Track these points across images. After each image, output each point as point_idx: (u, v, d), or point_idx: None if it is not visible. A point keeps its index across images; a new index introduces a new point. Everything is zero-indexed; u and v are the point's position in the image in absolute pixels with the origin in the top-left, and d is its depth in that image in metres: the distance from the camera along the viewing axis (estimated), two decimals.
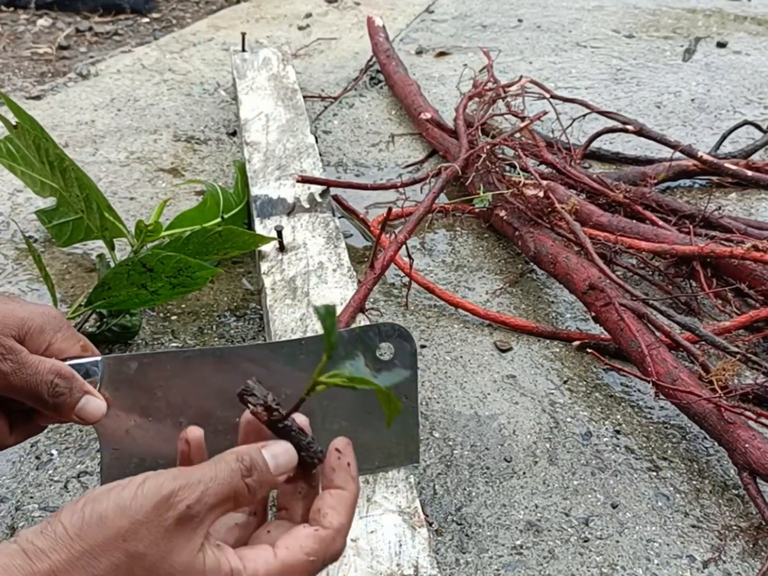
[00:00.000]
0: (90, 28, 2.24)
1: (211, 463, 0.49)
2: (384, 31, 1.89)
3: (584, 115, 1.49)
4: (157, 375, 0.64)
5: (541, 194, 1.15)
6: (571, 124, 1.45)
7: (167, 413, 0.64)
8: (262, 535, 0.52)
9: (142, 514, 0.44)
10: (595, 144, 1.51)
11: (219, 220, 1.14)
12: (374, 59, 1.86)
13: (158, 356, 0.65)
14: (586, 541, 0.80)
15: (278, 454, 0.51)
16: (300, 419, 0.52)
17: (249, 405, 0.50)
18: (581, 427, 0.94)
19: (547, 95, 1.48)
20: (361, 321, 0.94)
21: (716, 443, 0.88)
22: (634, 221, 1.19)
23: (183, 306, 1.12)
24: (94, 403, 0.62)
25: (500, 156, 1.29)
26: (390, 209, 1.01)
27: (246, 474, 0.49)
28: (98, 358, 0.63)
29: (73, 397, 0.61)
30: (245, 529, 0.52)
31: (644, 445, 0.92)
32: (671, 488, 0.86)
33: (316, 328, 0.92)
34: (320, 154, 1.35)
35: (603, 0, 2.45)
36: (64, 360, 0.63)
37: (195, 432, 0.53)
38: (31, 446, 0.89)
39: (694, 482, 0.87)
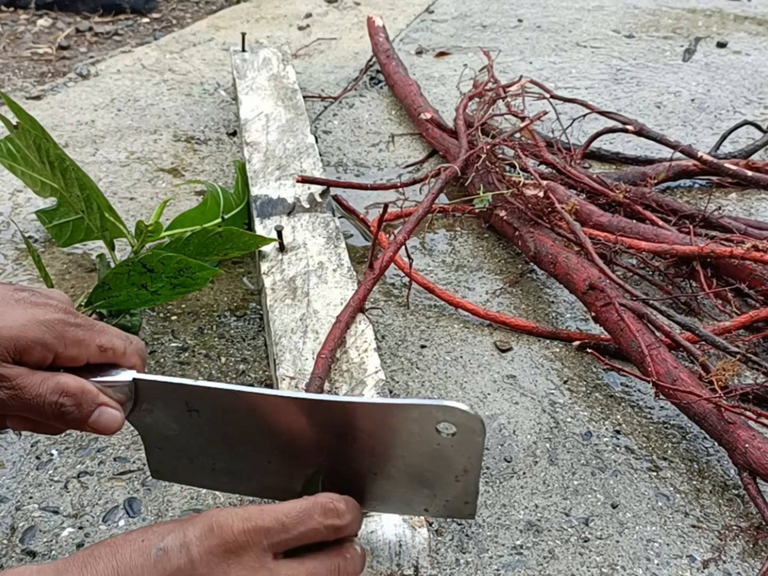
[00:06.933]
0: (90, 28, 2.24)
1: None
2: (384, 31, 1.89)
3: (584, 115, 1.49)
4: (190, 399, 0.60)
5: (541, 194, 1.15)
6: (571, 124, 1.45)
7: (205, 428, 0.61)
8: None
9: None
10: (595, 144, 1.51)
11: (219, 220, 1.14)
12: (374, 59, 1.86)
13: (199, 389, 0.59)
14: (586, 541, 0.80)
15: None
16: None
17: None
18: (581, 427, 0.94)
19: (547, 95, 1.48)
20: (361, 321, 0.94)
21: (716, 443, 0.88)
22: (634, 221, 1.19)
23: (183, 306, 1.12)
24: (108, 414, 0.57)
25: (500, 156, 1.29)
26: (386, 206, 1.01)
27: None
28: (127, 380, 0.59)
29: (83, 412, 0.56)
30: None
31: (644, 445, 0.92)
32: (671, 488, 0.86)
33: (316, 328, 0.92)
34: (320, 154, 1.35)
35: (603, 0, 2.45)
36: (88, 368, 0.58)
37: None
38: (32, 446, 0.89)
39: (694, 482, 0.87)
